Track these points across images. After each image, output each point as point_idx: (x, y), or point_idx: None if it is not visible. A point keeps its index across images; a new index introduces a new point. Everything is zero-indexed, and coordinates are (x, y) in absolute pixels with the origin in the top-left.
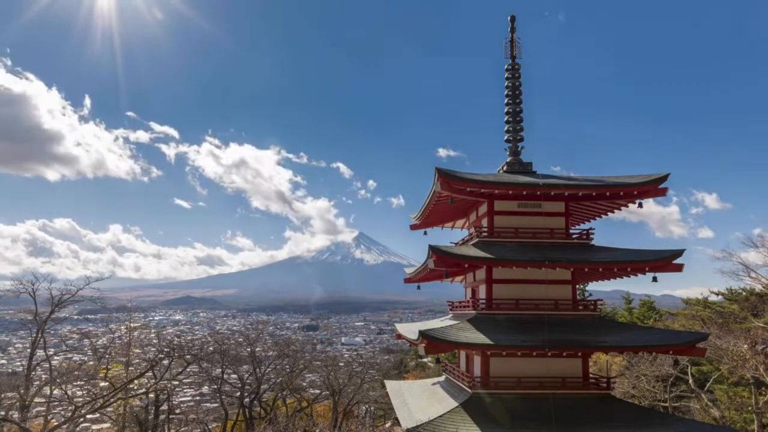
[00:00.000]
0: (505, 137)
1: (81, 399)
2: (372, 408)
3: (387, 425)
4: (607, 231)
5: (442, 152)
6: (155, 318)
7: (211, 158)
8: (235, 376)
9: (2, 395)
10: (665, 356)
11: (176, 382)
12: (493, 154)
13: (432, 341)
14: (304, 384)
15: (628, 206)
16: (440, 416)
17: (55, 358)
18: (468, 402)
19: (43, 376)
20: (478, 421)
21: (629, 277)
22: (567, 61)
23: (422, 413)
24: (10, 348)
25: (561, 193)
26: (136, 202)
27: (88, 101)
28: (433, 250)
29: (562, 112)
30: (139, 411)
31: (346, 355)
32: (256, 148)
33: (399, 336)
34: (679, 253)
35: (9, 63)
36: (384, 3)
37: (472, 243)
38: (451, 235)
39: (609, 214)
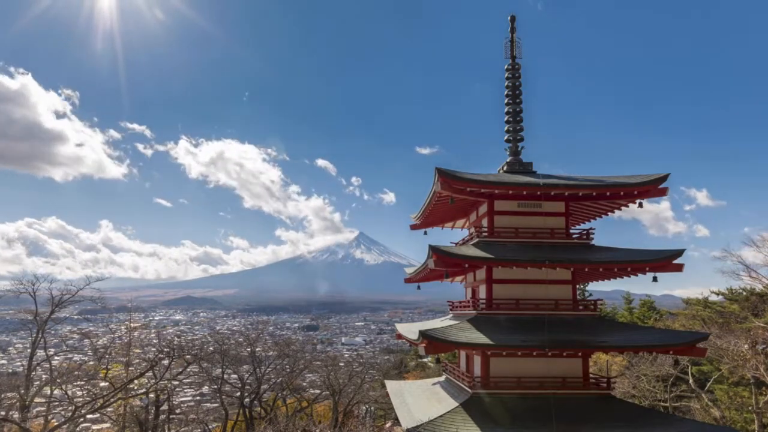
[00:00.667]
0: (505, 137)
1: (81, 399)
2: (372, 408)
3: (387, 425)
4: (601, 229)
5: (421, 150)
6: (155, 318)
7: (199, 157)
8: (235, 376)
9: (2, 395)
10: (665, 356)
11: (176, 382)
12: (478, 153)
13: (432, 341)
14: (304, 384)
15: (628, 206)
16: (440, 416)
17: (56, 358)
18: (468, 402)
19: (44, 376)
20: (478, 421)
21: (629, 277)
22: (558, 57)
23: (422, 413)
24: (10, 348)
25: (561, 193)
26: (124, 200)
27: (76, 99)
28: (434, 250)
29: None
30: (139, 411)
31: (346, 355)
32: (238, 143)
33: (399, 336)
34: (679, 253)
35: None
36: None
37: (472, 243)
38: (452, 235)
39: (609, 214)
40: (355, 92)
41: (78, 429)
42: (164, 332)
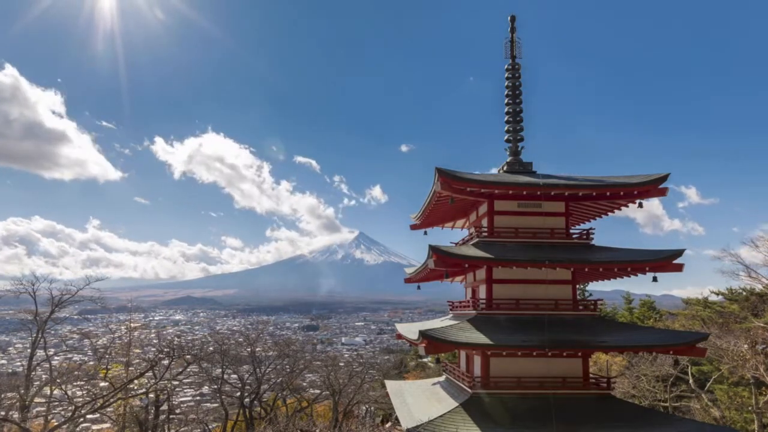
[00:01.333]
0: (505, 137)
1: (81, 399)
2: (372, 408)
3: (387, 425)
4: (596, 228)
5: (405, 147)
6: (155, 318)
7: (179, 155)
8: (235, 376)
9: (2, 395)
10: (665, 356)
11: (176, 382)
12: (479, 153)
13: (432, 341)
14: (304, 384)
15: (628, 206)
16: (440, 416)
17: (56, 358)
18: (468, 402)
19: (44, 376)
20: (478, 421)
21: (629, 277)
22: (559, 58)
23: (422, 413)
24: (10, 348)
25: (561, 193)
26: (108, 200)
27: (67, 99)
28: (434, 250)
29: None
30: (139, 411)
31: (346, 355)
32: (235, 143)
33: (399, 336)
34: (679, 253)
35: None
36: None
37: (472, 243)
38: (452, 235)
39: (609, 214)
40: (349, 90)
41: (78, 429)
42: (164, 332)
